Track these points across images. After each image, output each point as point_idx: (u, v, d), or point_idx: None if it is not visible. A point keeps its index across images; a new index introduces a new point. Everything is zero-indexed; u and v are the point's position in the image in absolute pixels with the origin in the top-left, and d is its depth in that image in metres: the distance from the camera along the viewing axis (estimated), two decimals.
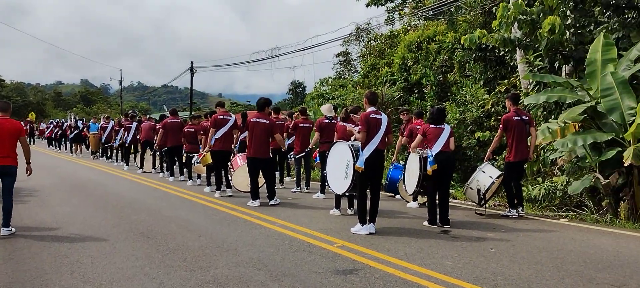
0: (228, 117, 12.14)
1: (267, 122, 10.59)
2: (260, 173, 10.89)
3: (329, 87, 28.09)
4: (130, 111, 23.13)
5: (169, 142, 15.39)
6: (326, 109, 11.96)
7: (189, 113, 41.06)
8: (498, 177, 9.70)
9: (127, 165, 19.50)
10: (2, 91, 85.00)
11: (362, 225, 8.00)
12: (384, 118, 8.13)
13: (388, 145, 8.32)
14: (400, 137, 12.06)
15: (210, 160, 12.41)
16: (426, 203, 9.16)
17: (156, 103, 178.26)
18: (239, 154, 12.47)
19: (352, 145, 8.43)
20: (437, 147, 8.63)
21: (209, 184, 13.36)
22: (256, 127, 10.56)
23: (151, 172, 17.77)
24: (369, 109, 8.15)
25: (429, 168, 8.51)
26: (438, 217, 8.69)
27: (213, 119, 12.04)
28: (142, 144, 18.07)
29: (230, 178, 11.81)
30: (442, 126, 8.78)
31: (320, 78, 29.14)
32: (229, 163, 12.42)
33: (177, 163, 15.84)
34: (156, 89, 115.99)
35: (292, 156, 13.29)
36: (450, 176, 8.84)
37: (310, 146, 12.55)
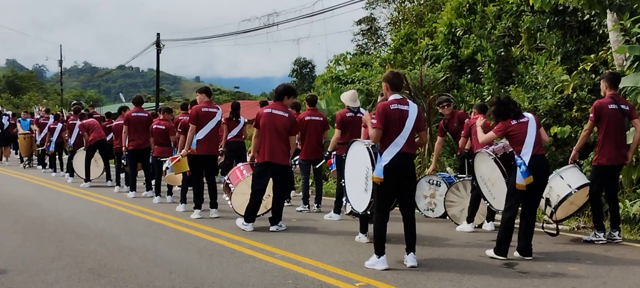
0: (214, 110, 12.26)
1: (286, 115, 10.80)
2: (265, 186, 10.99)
3: (347, 67, 28.14)
4: (74, 102, 23.43)
5: (131, 143, 15.52)
6: (349, 97, 11.97)
7: (155, 104, 41.24)
8: (580, 188, 9.65)
9: (72, 176, 19.72)
10: None
11: (379, 257, 8.00)
12: (413, 109, 8.11)
13: (420, 146, 8.33)
14: (438, 137, 12.06)
15: (186, 168, 12.50)
16: (479, 224, 9.12)
17: (110, 91, 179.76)
18: (240, 164, 12.43)
19: (372, 146, 8.37)
20: (528, 149, 8.44)
21: (183, 201, 13.44)
22: (272, 121, 10.66)
23: (110, 185, 17.94)
24: (391, 97, 8.14)
25: (523, 181, 8.38)
26: (518, 245, 8.67)
27: (194, 112, 12.13)
28: (91, 146, 18.26)
29: (227, 198, 11.81)
30: (524, 118, 8.63)
31: (334, 54, 29.10)
32: (224, 177, 12.61)
33: (130, 172, 16.17)
34: (110, 72, 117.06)
35: (297, 162, 13.34)
36: (543, 190, 8.75)
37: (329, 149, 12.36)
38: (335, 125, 11.98)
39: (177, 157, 12.76)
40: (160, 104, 40.43)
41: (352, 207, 9.07)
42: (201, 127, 12.09)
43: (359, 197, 8.78)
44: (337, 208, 12.09)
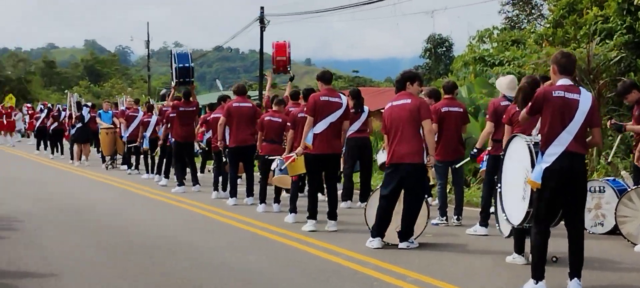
0: (336, 99, 12.33)
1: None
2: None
3: (494, 45, 27.71)
4: (163, 90, 23.94)
5: (233, 140, 15.80)
6: (507, 83, 11.78)
7: (258, 92, 41.93)
8: None
9: (167, 177, 20.28)
10: (18, 59, 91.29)
11: (536, 282, 7.87)
12: (586, 98, 7.92)
13: (593, 146, 8.12)
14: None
15: (302, 169, 12.59)
16: None
17: (204, 76, 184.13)
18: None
19: (535, 143, 8.22)
20: None
21: (294, 210, 13.48)
22: (397, 115, 10.79)
23: (195, 190, 18.38)
24: (559, 82, 7.98)
25: None
26: None
27: (311, 102, 12.27)
28: (177, 144, 18.74)
29: (343, 204, 12.09)
30: None
31: (478, 30, 28.63)
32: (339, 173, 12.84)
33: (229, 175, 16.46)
34: (204, 55, 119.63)
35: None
36: None
37: (477, 146, 12.32)
38: (487, 117, 11.89)
39: (292, 156, 12.87)
40: (263, 92, 40.78)
41: (506, 218, 8.92)
42: (319, 120, 12.18)
43: (516, 206, 8.62)
44: (484, 221, 11.92)
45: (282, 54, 18.60)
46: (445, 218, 13.10)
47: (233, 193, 16.01)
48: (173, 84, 19.73)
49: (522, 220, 8.47)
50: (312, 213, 12.40)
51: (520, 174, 8.43)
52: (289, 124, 13.82)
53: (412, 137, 10.66)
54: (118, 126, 25.34)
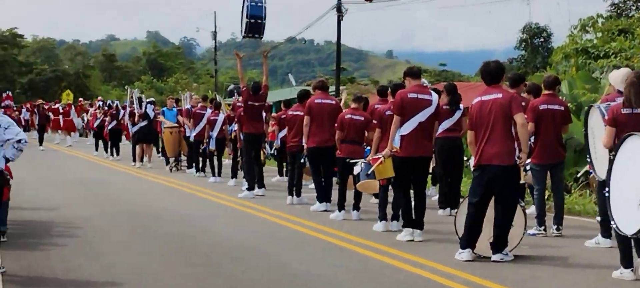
0: (426, 96, 12.24)
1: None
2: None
3: (598, 35, 27.30)
4: (231, 86, 24.02)
5: (313, 140, 15.80)
6: (621, 77, 11.51)
7: (335, 87, 41.82)
8: None
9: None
10: (20, 55, 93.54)
11: None
12: None
13: None
14: None
15: (391, 172, 12.50)
16: None
17: (275, 70, 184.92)
18: None
19: None
20: None
21: (384, 218, 13.45)
22: (487, 110, 10.67)
23: (261, 194, 18.46)
24: None
25: None
26: None
27: (398, 100, 12.21)
28: (246, 136, 18.88)
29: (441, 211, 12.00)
30: None
31: (580, 18, 28.20)
32: (433, 187, 12.78)
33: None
34: (276, 47, 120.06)
35: (529, 167, 13.09)
36: None
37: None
38: (606, 121, 11.61)
39: (379, 158, 12.79)
40: (341, 86, 40.72)
41: (616, 227, 8.76)
42: (407, 120, 12.11)
43: (629, 214, 8.49)
44: (606, 231, 11.71)
45: None
46: (543, 228, 12.91)
47: (322, 199, 15.99)
48: (241, 36, 19.37)
49: (636, 230, 8.33)
50: (408, 221, 12.37)
51: (635, 179, 8.28)
52: (374, 121, 13.77)
53: (504, 136, 10.50)
54: (182, 125, 25.54)
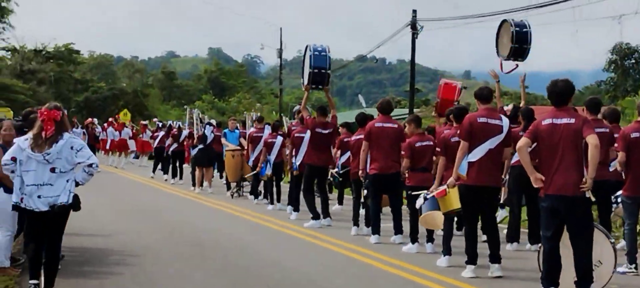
0: (496, 121, 12.17)
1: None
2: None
3: None
4: (296, 107, 24.05)
5: (374, 166, 15.74)
6: None
7: (408, 109, 41.71)
8: None
9: (296, 210, 20.30)
10: (76, 72, 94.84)
11: None
12: None
13: None
14: None
15: (457, 204, 12.41)
16: None
17: (344, 91, 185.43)
18: None
19: None
20: None
21: (448, 252, 13.40)
22: (559, 135, 10.53)
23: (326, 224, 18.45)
24: None
25: None
26: None
27: (466, 124, 12.18)
28: (310, 168, 18.77)
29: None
30: None
31: None
32: (502, 209, 12.68)
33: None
34: (345, 66, 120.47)
35: (620, 199, 12.94)
36: None
37: None
38: None
39: (443, 189, 12.74)
40: (415, 109, 40.51)
41: None
42: (476, 146, 12.05)
43: None
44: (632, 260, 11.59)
45: (450, 96, 18.25)
46: (634, 265, 12.74)
47: (375, 230, 15.98)
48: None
49: None
50: (472, 257, 12.27)
51: None
52: (438, 149, 13.69)
53: (576, 164, 10.37)
54: (245, 147, 25.36)
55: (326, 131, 18.76)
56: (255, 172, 23.33)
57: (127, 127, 46.07)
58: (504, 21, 17.80)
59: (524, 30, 17.34)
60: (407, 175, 15.20)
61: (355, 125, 19.33)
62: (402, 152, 15.29)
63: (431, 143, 14.85)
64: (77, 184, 10.14)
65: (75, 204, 10.16)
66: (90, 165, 10.04)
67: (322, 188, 19.43)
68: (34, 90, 76.87)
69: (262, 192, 24.28)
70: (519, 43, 17.17)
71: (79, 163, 10.00)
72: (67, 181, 9.95)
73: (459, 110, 13.98)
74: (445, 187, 12.68)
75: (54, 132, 9.80)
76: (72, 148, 9.92)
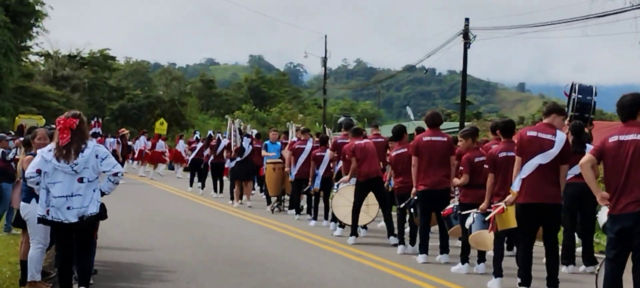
0: (548, 136, 12.06)
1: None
2: None
3: None
4: (341, 118, 23.89)
5: (423, 182, 15.65)
6: None
7: (459, 123, 41.50)
8: None
9: (341, 226, 20.22)
10: (111, 79, 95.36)
11: None
12: None
13: None
14: None
15: (513, 222, 12.33)
16: None
17: (391, 102, 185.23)
18: None
19: None
20: None
21: (499, 274, 13.33)
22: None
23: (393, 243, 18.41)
24: None
25: None
26: None
27: (518, 139, 12.32)
28: (361, 183, 18.72)
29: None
30: None
31: None
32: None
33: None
34: (393, 76, 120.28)
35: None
36: None
37: None
38: None
39: (500, 206, 12.65)
40: (466, 123, 40.30)
41: None
42: (525, 161, 11.96)
43: None
44: None
45: None
46: None
47: (423, 249, 15.91)
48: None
49: None
50: (525, 280, 12.17)
51: None
52: (486, 165, 13.63)
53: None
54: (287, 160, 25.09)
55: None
56: (307, 188, 23.04)
57: (162, 140, 46.28)
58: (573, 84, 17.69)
59: (588, 98, 17.16)
60: (457, 192, 15.13)
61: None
62: (461, 168, 15.12)
63: (484, 158, 14.77)
64: (102, 194, 10.25)
65: (103, 213, 10.29)
66: (115, 174, 10.16)
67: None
68: (67, 97, 77.60)
69: (303, 207, 24.28)
70: (580, 111, 17.07)
71: (104, 171, 10.12)
72: (94, 191, 10.09)
73: (506, 124, 14.05)
74: (502, 204, 12.62)
75: (70, 140, 9.91)
76: (97, 156, 10.07)
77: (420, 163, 15.78)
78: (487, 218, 13.17)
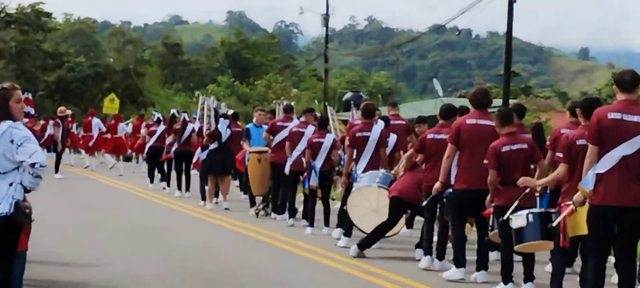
0: (634, 118, 12.00)
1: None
2: None
3: None
4: (349, 93, 24.09)
5: (463, 178, 15.69)
6: None
7: (502, 100, 41.58)
8: None
9: (348, 236, 20.26)
10: (46, 42, 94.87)
11: None
12: None
13: None
14: None
15: (584, 227, 12.35)
16: None
17: (414, 73, 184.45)
18: None
19: None
20: None
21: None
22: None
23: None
24: None
25: None
26: None
27: (594, 122, 11.99)
28: None
29: None
30: None
31: None
32: None
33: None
34: (415, 38, 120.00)
35: None
36: None
37: None
38: None
39: (569, 206, 12.63)
40: (511, 100, 40.22)
41: None
42: (604, 151, 11.87)
43: None
44: None
45: None
46: None
47: (460, 263, 15.81)
48: None
49: None
50: None
51: None
52: (560, 153, 13.58)
53: None
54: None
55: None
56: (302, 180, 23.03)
57: (124, 123, 46.20)
58: None
59: None
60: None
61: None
62: (485, 161, 14.93)
63: (526, 146, 14.73)
64: (26, 190, 10.08)
65: (21, 214, 9.97)
66: (32, 165, 9.85)
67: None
68: None
69: (297, 209, 24.26)
70: None
71: (22, 162, 9.87)
72: (10, 185, 9.86)
73: (589, 102, 13.77)
74: (571, 204, 12.59)
75: None
76: (12, 141, 9.83)
77: (462, 154, 15.82)
78: (555, 223, 13.10)
